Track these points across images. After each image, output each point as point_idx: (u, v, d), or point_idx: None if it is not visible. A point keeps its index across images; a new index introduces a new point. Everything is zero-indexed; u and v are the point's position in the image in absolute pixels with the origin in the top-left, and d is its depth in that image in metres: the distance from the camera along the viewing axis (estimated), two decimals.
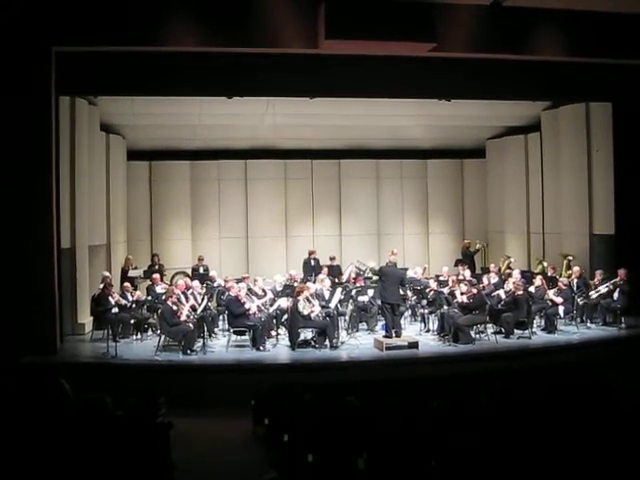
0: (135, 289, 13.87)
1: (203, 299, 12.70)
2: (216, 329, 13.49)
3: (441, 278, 14.52)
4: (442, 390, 8.06)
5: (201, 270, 15.94)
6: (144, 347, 12.30)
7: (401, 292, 12.71)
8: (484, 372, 10.17)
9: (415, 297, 14.13)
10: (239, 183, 18.47)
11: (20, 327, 11.08)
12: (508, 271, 15.26)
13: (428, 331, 13.52)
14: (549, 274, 14.74)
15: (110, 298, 12.65)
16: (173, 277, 16.29)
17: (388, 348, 11.84)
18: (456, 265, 16.43)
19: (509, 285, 13.12)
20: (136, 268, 15.44)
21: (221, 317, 13.70)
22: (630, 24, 12.62)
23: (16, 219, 11.31)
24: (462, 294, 12.59)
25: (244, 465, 7.75)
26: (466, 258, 17.33)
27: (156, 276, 14.42)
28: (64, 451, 5.51)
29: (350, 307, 13.53)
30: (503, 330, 12.82)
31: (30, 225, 11.39)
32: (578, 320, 13.64)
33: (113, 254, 15.70)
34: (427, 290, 13.92)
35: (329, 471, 5.88)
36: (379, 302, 13.05)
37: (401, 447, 5.90)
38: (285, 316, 12.90)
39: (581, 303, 13.73)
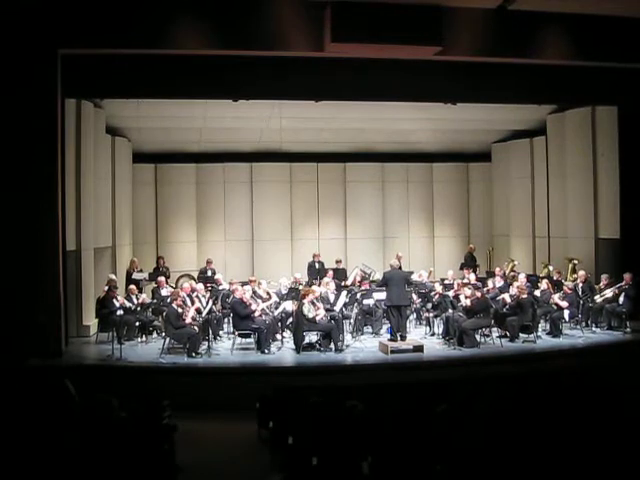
0: (140, 291, 13.89)
1: (208, 302, 12.70)
2: (221, 332, 13.48)
3: (446, 281, 14.50)
4: (447, 394, 8.05)
5: (209, 273, 15.90)
6: (149, 349, 12.30)
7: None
8: (489, 376, 10.15)
9: (420, 300, 14.14)
10: (244, 186, 18.48)
11: (25, 329, 11.07)
12: (512, 274, 15.23)
13: (433, 335, 13.47)
14: (554, 278, 14.71)
15: (115, 301, 12.68)
16: (178, 280, 16.30)
17: (393, 352, 11.81)
18: (461, 269, 16.45)
19: (514, 289, 13.09)
20: (141, 271, 15.48)
21: (226, 320, 13.71)
22: (636, 28, 12.61)
23: (22, 221, 11.31)
24: (466, 298, 12.58)
25: (248, 468, 7.75)
26: (470, 262, 17.34)
27: (161, 279, 14.41)
28: (69, 452, 5.52)
29: (355, 310, 13.52)
30: (508, 334, 12.77)
31: (36, 227, 11.39)
32: (583, 324, 13.60)
33: (118, 256, 15.72)
34: (432, 293, 13.92)
35: (333, 474, 5.87)
36: (384, 305, 13.03)
37: (406, 451, 5.90)
38: (290, 319, 12.90)
39: (586, 307, 13.70)
